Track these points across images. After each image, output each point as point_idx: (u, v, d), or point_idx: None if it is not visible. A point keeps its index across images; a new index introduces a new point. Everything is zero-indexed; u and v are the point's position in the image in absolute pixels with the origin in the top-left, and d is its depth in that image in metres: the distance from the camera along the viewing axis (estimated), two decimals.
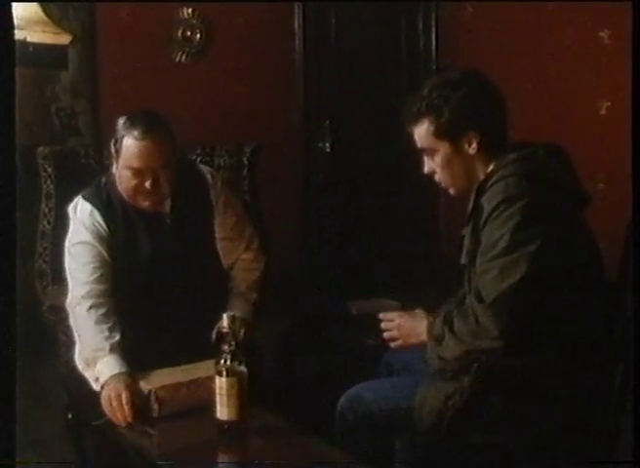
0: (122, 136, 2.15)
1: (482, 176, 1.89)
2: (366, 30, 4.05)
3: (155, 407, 2.01)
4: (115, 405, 1.99)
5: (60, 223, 2.59)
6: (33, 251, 2.82)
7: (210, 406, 1.90)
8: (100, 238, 2.22)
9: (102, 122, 3.44)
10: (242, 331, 2.18)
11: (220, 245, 2.38)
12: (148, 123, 2.16)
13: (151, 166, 2.15)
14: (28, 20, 3.03)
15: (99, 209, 2.24)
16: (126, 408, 1.98)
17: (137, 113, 2.20)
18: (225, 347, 1.87)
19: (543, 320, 1.76)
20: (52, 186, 2.83)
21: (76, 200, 2.28)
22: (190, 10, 3.64)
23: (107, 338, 2.11)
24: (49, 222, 2.82)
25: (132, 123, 2.15)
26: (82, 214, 2.24)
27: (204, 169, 2.43)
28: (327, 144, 3.99)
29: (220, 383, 1.86)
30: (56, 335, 2.62)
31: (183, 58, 3.66)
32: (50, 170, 2.84)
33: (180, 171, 2.25)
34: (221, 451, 1.91)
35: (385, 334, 1.99)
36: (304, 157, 3.98)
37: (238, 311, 2.19)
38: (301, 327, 3.03)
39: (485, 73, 1.95)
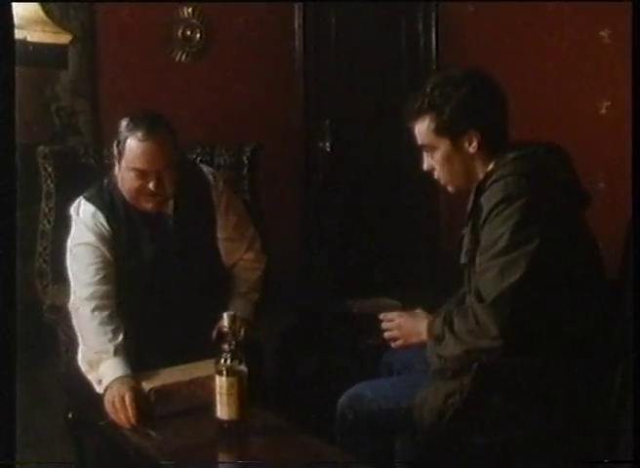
0: (125, 138, 2.15)
1: (481, 175, 1.89)
2: (366, 30, 4.05)
3: (155, 406, 2.01)
4: (119, 407, 1.98)
5: (61, 223, 2.59)
6: (33, 250, 2.82)
7: (210, 405, 1.90)
8: (104, 239, 2.22)
9: (103, 121, 3.44)
10: (242, 331, 2.18)
11: (221, 245, 2.38)
12: (151, 124, 2.15)
13: (155, 167, 2.15)
14: (28, 20, 3.03)
15: (101, 210, 2.23)
16: (130, 409, 1.97)
17: (139, 114, 2.20)
18: (226, 346, 1.87)
19: (543, 319, 1.76)
20: (52, 186, 2.83)
21: (78, 201, 2.27)
22: (190, 9, 3.64)
23: (111, 340, 2.10)
24: (49, 222, 2.82)
25: (135, 124, 2.15)
26: (85, 216, 2.24)
27: (205, 169, 2.42)
28: (327, 144, 3.99)
29: (221, 383, 1.86)
30: (56, 335, 2.63)
31: (183, 57, 3.66)
32: (50, 169, 2.84)
33: (181, 171, 2.25)
34: (222, 451, 1.91)
35: (386, 334, 1.99)
36: (304, 157, 3.98)
37: (239, 311, 2.19)
38: (302, 326, 3.04)
39: (487, 72, 1.94)
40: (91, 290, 2.16)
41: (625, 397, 1.80)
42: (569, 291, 1.79)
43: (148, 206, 2.22)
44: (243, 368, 1.87)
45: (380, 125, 4.07)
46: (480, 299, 1.77)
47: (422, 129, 1.91)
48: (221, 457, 1.93)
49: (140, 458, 1.89)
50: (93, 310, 2.14)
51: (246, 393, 1.86)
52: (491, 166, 1.88)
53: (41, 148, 2.87)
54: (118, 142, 2.17)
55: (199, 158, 2.99)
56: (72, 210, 2.27)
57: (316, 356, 2.99)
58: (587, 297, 1.82)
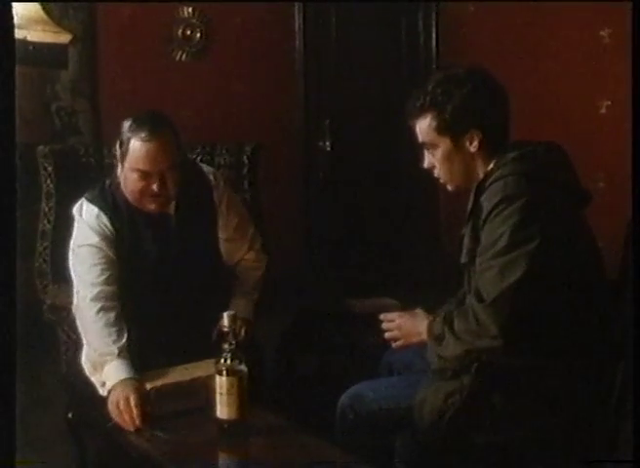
0: (128, 138, 2.13)
1: (481, 175, 1.89)
2: (366, 30, 4.05)
3: (155, 405, 2.00)
4: (124, 408, 1.97)
5: (61, 223, 2.59)
6: (33, 250, 2.82)
7: (210, 405, 1.90)
8: (107, 240, 2.21)
9: (103, 121, 3.45)
10: (243, 331, 2.19)
11: (223, 245, 2.38)
12: (154, 124, 2.14)
13: (158, 168, 2.14)
14: (29, 19, 3.03)
15: (104, 211, 2.22)
16: (135, 411, 1.96)
17: (142, 114, 2.19)
18: (226, 346, 1.87)
19: (543, 319, 1.76)
20: (52, 185, 2.83)
21: (80, 202, 2.26)
22: (190, 9, 3.64)
23: (115, 342, 2.10)
24: (49, 221, 2.82)
25: (138, 125, 2.13)
26: (88, 217, 2.23)
27: (206, 169, 2.42)
28: (327, 143, 3.99)
29: (221, 382, 1.86)
30: (56, 335, 2.63)
31: (183, 57, 3.66)
32: (50, 168, 2.84)
33: (183, 172, 2.24)
34: (222, 451, 1.91)
35: (387, 335, 1.99)
36: (304, 156, 3.99)
37: (240, 310, 2.18)
38: (302, 326, 3.04)
39: (489, 71, 1.94)
40: (95, 291, 2.15)
41: (625, 397, 1.80)
42: (569, 290, 1.79)
43: (151, 206, 2.21)
44: (243, 367, 1.87)
45: (380, 125, 4.08)
46: (480, 299, 1.77)
47: (424, 127, 1.91)
48: (222, 457, 1.92)
49: (141, 458, 1.89)
50: (98, 311, 2.13)
51: (246, 393, 1.86)
52: (491, 165, 1.88)
53: (41, 148, 2.88)
54: (121, 143, 2.16)
55: (199, 158, 3.00)
56: (75, 211, 2.26)
57: (316, 356, 2.99)
58: (587, 297, 1.82)
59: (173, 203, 2.26)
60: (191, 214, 2.30)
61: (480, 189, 1.86)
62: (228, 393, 1.85)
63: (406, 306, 2.10)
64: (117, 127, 2.21)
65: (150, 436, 1.92)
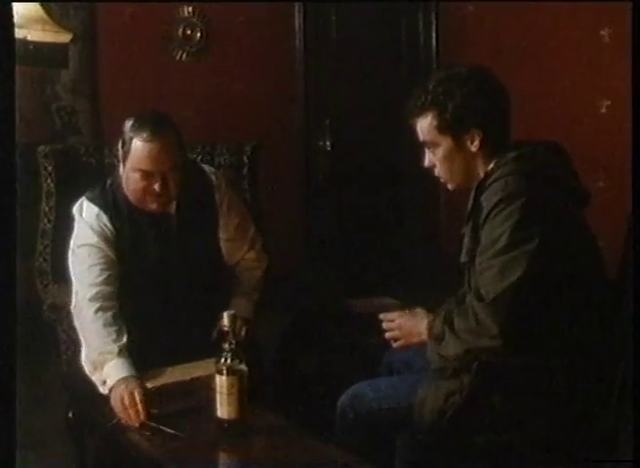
0: (130, 138, 2.13)
1: (482, 174, 1.89)
2: (366, 29, 4.05)
3: (155, 405, 2.00)
4: (129, 403, 1.96)
5: (61, 222, 2.59)
6: (34, 249, 2.82)
7: (210, 404, 1.90)
8: (107, 240, 2.21)
9: (103, 120, 3.45)
10: (243, 330, 2.19)
11: (223, 245, 2.38)
12: (157, 124, 2.14)
13: (160, 168, 2.13)
14: (29, 19, 3.03)
15: (105, 211, 2.22)
16: (140, 406, 1.95)
17: (144, 114, 2.19)
18: (226, 346, 1.87)
19: (543, 319, 1.76)
20: (52, 185, 2.83)
21: (80, 201, 2.26)
22: (191, 8, 3.64)
23: (115, 341, 2.09)
24: (49, 221, 2.82)
25: (140, 124, 2.13)
26: (88, 216, 2.23)
27: (208, 169, 2.42)
28: (327, 143, 3.99)
29: (221, 382, 1.86)
30: (56, 334, 2.63)
31: (184, 56, 3.66)
32: (50, 168, 2.84)
33: (184, 171, 2.24)
34: (222, 450, 1.91)
35: (387, 335, 1.99)
36: (305, 156, 3.98)
37: (240, 310, 2.19)
38: (302, 326, 3.03)
39: (491, 70, 1.94)
40: (94, 291, 2.15)
41: (625, 397, 1.80)
42: (569, 290, 1.79)
43: (153, 206, 2.21)
44: (243, 367, 1.86)
45: (380, 124, 4.07)
46: (480, 299, 1.77)
47: (425, 125, 1.91)
48: (222, 457, 1.92)
49: (141, 458, 1.89)
50: (96, 311, 2.13)
51: (246, 392, 1.86)
52: (491, 165, 1.88)
53: (41, 147, 2.88)
54: (123, 143, 2.16)
55: (199, 157, 3.00)
56: (75, 210, 2.26)
57: (316, 355, 2.98)
58: (587, 297, 1.82)
59: (174, 203, 2.26)
60: (192, 213, 2.30)
61: (480, 189, 1.86)
62: (228, 392, 1.85)
63: (406, 306, 2.09)
64: (117, 126, 2.21)
65: (153, 433, 1.91)
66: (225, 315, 1.90)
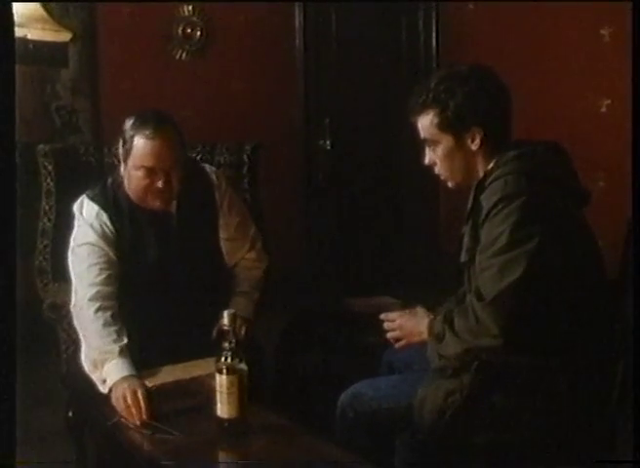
0: (132, 136, 2.13)
1: (482, 173, 1.89)
2: (366, 29, 4.05)
3: (155, 404, 2.00)
4: (131, 401, 1.96)
5: (61, 221, 2.59)
6: (34, 248, 2.82)
7: (210, 403, 1.90)
8: (107, 239, 2.21)
9: (103, 120, 3.45)
10: (243, 330, 2.19)
11: (224, 244, 2.38)
12: (158, 121, 2.14)
13: (163, 165, 2.13)
14: (29, 18, 3.03)
15: (105, 209, 2.22)
16: (142, 404, 1.95)
17: (145, 113, 2.19)
18: (226, 345, 1.87)
19: (543, 318, 1.76)
20: (52, 184, 2.83)
21: (81, 200, 2.26)
22: (190, 7, 3.64)
23: (115, 341, 2.09)
24: (49, 220, 2.82)
25: (141, 122, 2.14)
26: (88, 215, 2.23)
27: (208, 168, 2.42)
28: (327, 142, 3.99)
29: (221, 381, 1.86)
30: (56, 333, 2.63)
31: (184, 55, 3.66)
32: (50, 167, 2.84)
33: (185, 170, 2.24)
34: (222, 449, 1.91)
35: (388, 335, 1.99)
36: (305, 155, 3.99)
37: (240, 309, 2.18)
38: (302, 325, 3.04)
39: (492, 69, 1.94)
40: (94, 290, 2.15)
41: (625, 397, 1.80)
42: (568, 289, 1.79)
43: (156, 204, 2.20)
44: (243, 366, 1.86)
45: (380, 124, 4.08)
46: (480, 298, 1.77)
47: (426, 123, 1.91)
48: (222, 456, 1.92)
49: (141, 457, 1.89)
50: (96, 311, 2.12)
51: (246, 391, 1.86)
52: (491, 164, 1.88)
53: (41, 147, 2.88)
54: (124, 142, 2.16)
55: (199, 156, 3.00)
56: (75, 208, 2.26)
57: (316, 355, 2.99)
58: (587, 296, 1.82)
59: (174, 202, 2.26)
60: (193, 213, 2.30)
61: (480, 188, 1.86)
62: (228, 392, 1.85)
63: (406, 305, 2.10)
64: (117, 125, 2.21)
65: (153, 432, 1.91)
66: (225, 314, 1.90)
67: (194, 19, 3.65)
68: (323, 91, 3.99)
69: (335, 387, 2.10)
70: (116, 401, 1.99)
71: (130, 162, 2.15)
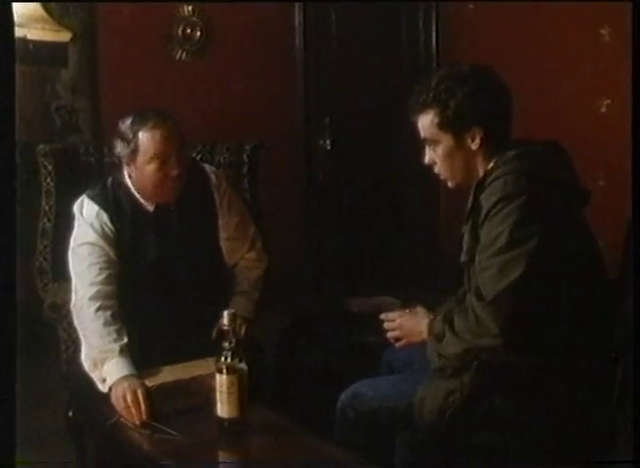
0: (135, 133, 2.15)
1: (481, 172, 1.89)
2: (366, 29, 4.05)
3: (155, 404, 2.00)
4: (131, 401, 1.96)
5: (61, 221, 2.59)
6: (34, 248, 2.82)
7: (210, 403, 1.90)
8: (107, 239, 2.21)
9: (103, 119, 3.44)
10: (243, 329, 2.19)
11: (223, 244, 2.38)
12: (158, 115, 2.17)
13: (173, 149, 2.16)
14: (28, 18, 3.03)
15: (105, 209, 2.23)
16: (142, 404, 1.95)
17: (142, 111, 2.20)
18: (226, 345, 1.87)
19: (543, 318, 1.76)
20: (52, 184, 2.83)
21: (81, 199, 2.27)
22: (190, 7, 3.64)
23: (116, 340, 2.10)
24: (49, 220, 2.82)
25: (142, 118, 2.16)
26: (88, 215, 2.23)
27: (208, 168, 2.42)
28: (327, 142, 3.99)
29: (221, 381, 1.86)
30: (56, 333, 2.63)
31: (184, 55, 3.65)
32: (50, 167, 2.84)
33: (185, 169, 2.24)
34: (222, 449, 1.91)
35: (389, 335, 1.99)
36: (305, 155, 3.98)
37: (240, 309, 2.19)
38: (302, 324, 3.04)
39: (493, 69, 1.94)
40: (94, 289, 2.15)
41: (625, 397, 1.80)
42: (569, 289, 1.79)
43: (170, 195, 2.22)
44: (243, 366, 1.87)
45: (380, 124, 4.07)
46: (480, 298, 1.77)
47: (426, 122, 1.91)
48: (222, 455, 1.93)
49: (141, 456, 1.89)
50: (96, 310, 2.13)
51: (246, 391, 1.87)
52: (491, 163, 1.88)
53: (41, 146, 2.88)
54: (127, 143, 2.16)
55: (199, 156, 3.00)
56: (75, 208, 2.26)
57: (316, 355, 2.99)
58: (587, 296, 1.82)
59: (174, 202, 2.26)
60: (192, 212, 2.30)
61: (480, 188, 1.86)
62: (228, 391, 1.85)
63: (406, 304, 2.10)
64: (120, 128, 2.21)
65: (153, 432, 1.91)
66: (225, 314, 1.90)
67: (194, 19, 3.64)
68: (323, 91, 3.98)
69: (335, 387, 2.10)
70: (116, 400, 1.99)
71: (140, 158, 2.16)
